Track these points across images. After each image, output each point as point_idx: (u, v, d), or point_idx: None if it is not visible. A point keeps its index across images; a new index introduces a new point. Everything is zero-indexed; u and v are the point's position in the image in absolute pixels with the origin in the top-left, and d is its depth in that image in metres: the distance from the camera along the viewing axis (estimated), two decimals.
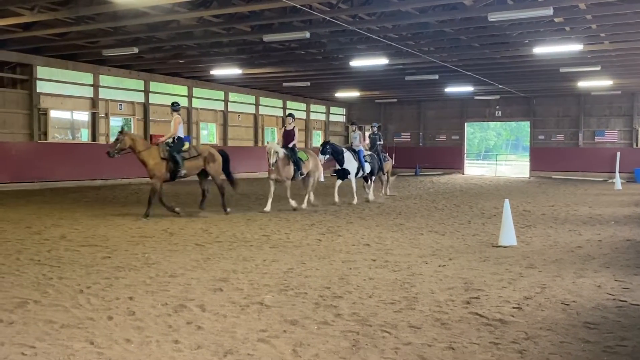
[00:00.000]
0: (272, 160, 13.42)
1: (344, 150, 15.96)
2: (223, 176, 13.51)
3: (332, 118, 38.32)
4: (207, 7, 14.60)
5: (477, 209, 15.20)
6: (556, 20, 15.39)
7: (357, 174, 16.13)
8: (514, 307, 5.63)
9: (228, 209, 13.26)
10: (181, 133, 12.71)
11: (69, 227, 10.81)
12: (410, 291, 6.25)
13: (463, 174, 35.14)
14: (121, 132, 12.46)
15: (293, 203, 13.97)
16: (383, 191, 18.53)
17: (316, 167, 14.94)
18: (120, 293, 6.05)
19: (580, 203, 16.99)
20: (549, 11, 13.12)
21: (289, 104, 33.64)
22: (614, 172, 27.48)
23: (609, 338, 4.78)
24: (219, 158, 13.27)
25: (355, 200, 15.96)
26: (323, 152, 15.31)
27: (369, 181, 17.04)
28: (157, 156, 12.26)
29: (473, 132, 59.80)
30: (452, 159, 35.59)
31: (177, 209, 12.60)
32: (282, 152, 13.72)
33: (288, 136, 14.15)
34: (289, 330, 4.88)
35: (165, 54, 21.21)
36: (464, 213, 14.18)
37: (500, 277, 6.98)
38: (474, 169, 41.67)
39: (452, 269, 7.49)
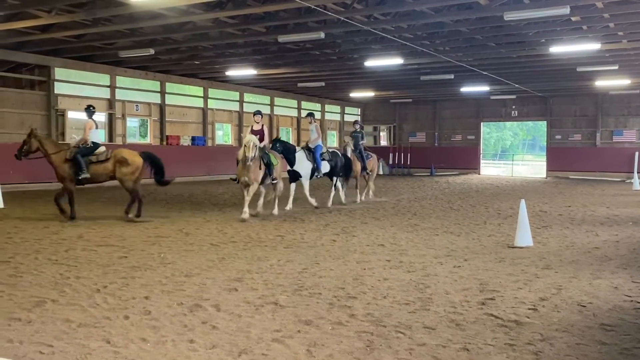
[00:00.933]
0: (251, 154, 11.86)
1: (297, 149, 14.56)
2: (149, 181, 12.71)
3: (347, 118, 38.28)
4: (223, 8, 14.67)
5: (493, 209, 15.11)
6: (573, 19, 15.25)
7: (313, 175, 14.55)
8: (529, 309, 5.60)
9: (130, 215, 12.02)
10: (95, 138, 12.29)
11: (86, 227, 10.92)
12: (425, 292, 6.23)
13: (479, 174, 34.93)
14: (29, 135, 12.25)
15: (245, 215, 12.06)
16: (363, 195, 16.81)
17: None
18: (137, 292, 6.10)
19: (598, 203, 16.82)
20: (566, 10, 13.01)
21: (304, 104, 33.70)
22: (632, 172, 27.14)
23: (626, 340, 4.73)
24: (135, 162, 12.06)
25: (314, 202, 14.43)
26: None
27: (335, 181, 15.34)
28: (63, 158, 11.95)
29: (489, 131, 59.40)
30: (467, 159, 35.39)
31: (65, 213, 11.95)
32: (257, 150, 12.16)
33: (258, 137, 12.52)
34: (303, 331, 4.90)
35: (181, 55, 21.35)
36: (480, 213, 14.11)
37: (515, 278, 6.94)
38: (490, 169, 41.41)
39: (467, 269, 7.45)
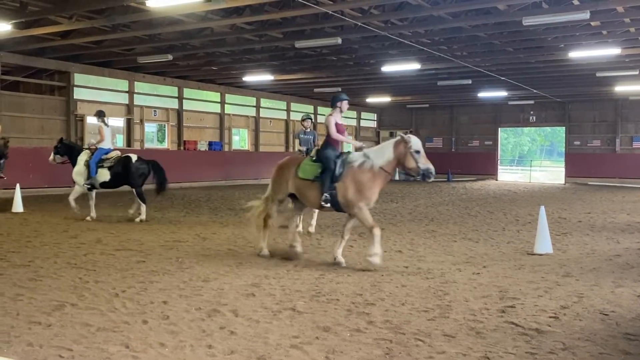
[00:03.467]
0: None
1: (82, 150, 13.23)
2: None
3: (363, 123, 38.27)
4: (240, 14, 14.75)
5: (512, 215, 14.97)
6: (592, 24, 15.12)
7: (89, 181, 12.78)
8: (550, 317, 5.51)
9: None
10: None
11: (104, 231, 11.00)
12: (444, 299, 6.17)
13: (496, 180, 34.69)
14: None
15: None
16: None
17: None
18: (155, 297, 6.12)
19: (618, 210, 16.59)
20: (585, 15, 12.89)
21: (320, 109, 33.72)
22: None
23: None
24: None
25: (73, 204, 12.87)
26: (56, 152, 13.28)
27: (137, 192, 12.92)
28: None
29: (507, 137, 58.97)
30: (485, 164, 35.17)
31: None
32: None
33: None
34: (321, 337, 4.87)
35: (198, 60, 21.50)
36: (498, 220, 13.98)
37: (536, 285, 6.85)
38: (508, 175, 41.10)
39: (487, 277, 7.37)
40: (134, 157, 12.83)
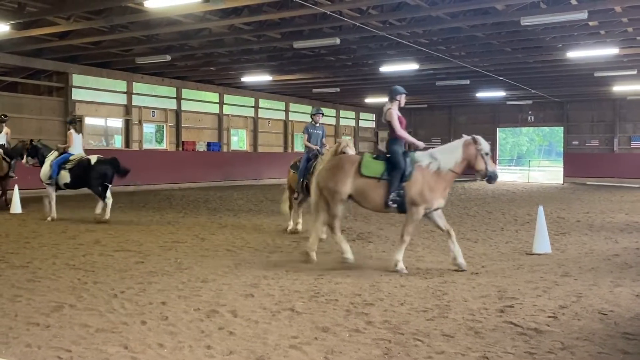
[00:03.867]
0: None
1: (52, 151, 13.20)
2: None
3: (362, 124, 38.28)
4: (238, 14, 14.75)
5: (510, 215, 14.98)
6: (591, 24, 15.14)
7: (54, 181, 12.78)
8: (549, 316, 5.52)
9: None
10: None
11: (102, 232, 10.99)
12: (443, 299, 6.17)
13: None
14: None
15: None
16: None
17: None
18: (154, 298, 6.11)
19: (617, 210, 16.61)
20: (584, 15, 12.91)
21: None
22: None
23: None
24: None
25: (47, 208, 12.94)
26: (28, 154, 13.45)
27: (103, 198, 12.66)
28: None
29: (505, 137, 59.03)
30: None
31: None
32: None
33: None
34: (320, 337, 4.86)
35: (197, 61, 21.49)
36: (497, 220, 13.99)
37: (534, 285, 6.85)
38: (506, 175, 41.11)
39: (485, 276, 7.38)
40: (93, 159, 12.82)
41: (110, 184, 12.90)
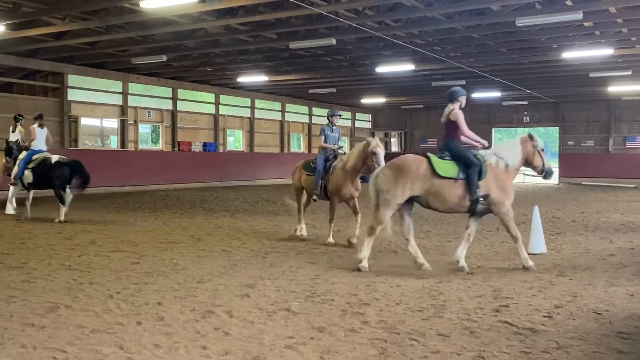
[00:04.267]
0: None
1: (22, 151, 13.27)
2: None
3: (358, 124, 38.31)
4: (234, 15, 14.75)
5: None
6: (586, 24, 15.20)
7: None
8: (544, 316, 5.53)
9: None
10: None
11: (98, 233, 10.97)
12: (438, 299, 6.19)
13: None
14: None
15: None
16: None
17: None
18: (149, 298, 6.11)
19: (612, 210, 16.66)
20: (579, 15, 12.95)
21: (315, 110, 33.75)
22: None
23: None
24: None
25: (11, 209, 13.48)
26: (7, 154, 13.66)
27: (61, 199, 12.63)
28: None
29: (500, 137, 58.86)
30: None
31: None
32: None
33: None
34: (316, 337, 4.87)
35: (193, 61, 21.49)
36: (492, 220, 13.93)
37: (530, 285, 6.87)
38: None
39: (481, 276, 7.39)
40: (54, 158, 12.83)
41: (69, 184, 12.80)
